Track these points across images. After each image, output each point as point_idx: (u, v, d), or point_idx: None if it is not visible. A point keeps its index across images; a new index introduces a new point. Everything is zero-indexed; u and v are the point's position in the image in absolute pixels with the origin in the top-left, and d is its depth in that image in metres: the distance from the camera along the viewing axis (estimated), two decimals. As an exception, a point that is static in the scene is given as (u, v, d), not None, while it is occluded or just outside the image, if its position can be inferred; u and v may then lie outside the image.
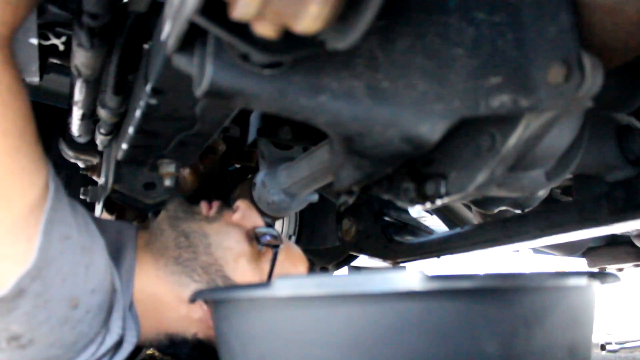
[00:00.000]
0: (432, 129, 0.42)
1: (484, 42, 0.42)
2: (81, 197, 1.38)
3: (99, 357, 0.79)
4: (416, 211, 1.71)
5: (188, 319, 0.87)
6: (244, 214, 0.96)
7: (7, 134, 0.64)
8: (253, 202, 1.20)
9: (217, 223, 0.92)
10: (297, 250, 1.01)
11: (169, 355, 0.94)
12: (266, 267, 0.91)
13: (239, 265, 0.88)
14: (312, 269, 1.01)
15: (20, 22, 0.65)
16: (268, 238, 0.93)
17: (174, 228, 0.91)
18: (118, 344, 0.82)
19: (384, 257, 1.30)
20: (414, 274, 0.47)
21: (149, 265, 0.88)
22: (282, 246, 0.94)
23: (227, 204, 0.99)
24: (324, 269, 1.89)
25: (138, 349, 0.90)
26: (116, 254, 0.84)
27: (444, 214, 1.59)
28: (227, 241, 0.90)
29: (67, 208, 0.73)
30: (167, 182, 1.01)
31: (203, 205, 0.95)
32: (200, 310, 0.87)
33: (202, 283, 0.86)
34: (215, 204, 0.96)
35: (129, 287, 0.85)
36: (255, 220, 0.96)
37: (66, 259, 0.71)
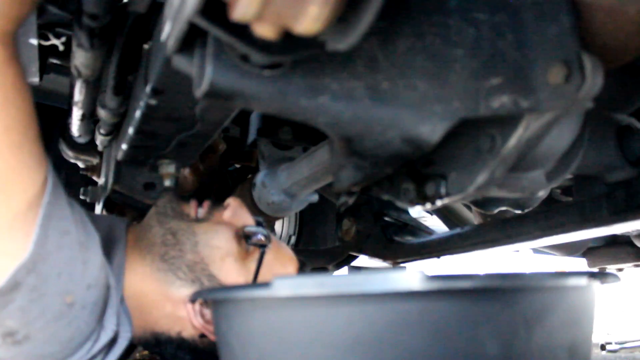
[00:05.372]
0: (432, 130, 0.42)
1: (484, 42, 0.42)
2: (81, 197, 1.38)
3: (94, 354, 0.79)
4: (416, 211, 1.71)
5: (172, 317, 0.87)
6: (235, 212, 0.94)
7: (10, 129, 0.64)
8: (253, 202, 1.20)
9: (206, 223, 0.91)
10: (287, 251, 0.99)
11: (157, 354, 0.93)
12: (253, 266, 0.90)
13: (225, 264, 0.87)
14: (302, 269, 1.00)
15: (25, 18, 0.65)
16: (258, 237, 0.91)
17: (161, 225, 0.90)
18: (112, 341, 0.82)
19: (384, 257, 1.30)
20: (414, 274, 0.47)
21: (137, 261, 0.87)
22: (270, 246, 0.92)
23: (218, 202, 0.97)
24: (324, 269, 1.89)
25: (132, 347, 0.90)
26: (108, 250, 0.83)
27: (444, 214, 1.59)
28: (215, 240, 0.88)
29: (65, 203, 0.73)
30: (167, 183, 1.01)
31: (192, 206, 0.93)
32: (184, 309, 0.86)
33: (186, 281, 0.86)
34: (206, 204, 0.94)
35: (119, 284, 0.84)
36: (246, 219, 0.94)
37: (63, 254, 0.71)
